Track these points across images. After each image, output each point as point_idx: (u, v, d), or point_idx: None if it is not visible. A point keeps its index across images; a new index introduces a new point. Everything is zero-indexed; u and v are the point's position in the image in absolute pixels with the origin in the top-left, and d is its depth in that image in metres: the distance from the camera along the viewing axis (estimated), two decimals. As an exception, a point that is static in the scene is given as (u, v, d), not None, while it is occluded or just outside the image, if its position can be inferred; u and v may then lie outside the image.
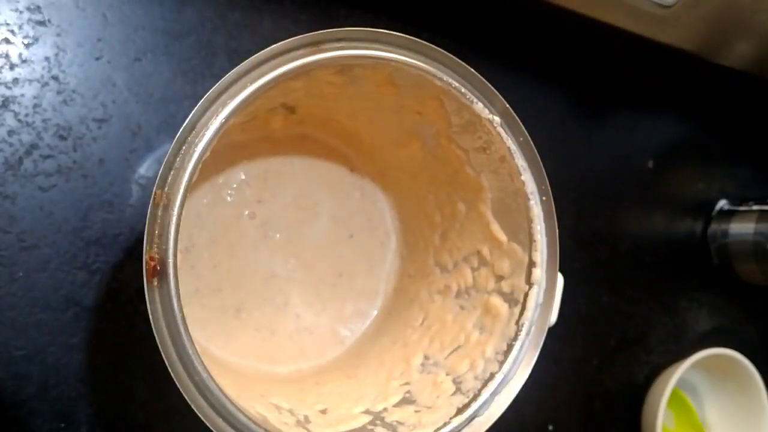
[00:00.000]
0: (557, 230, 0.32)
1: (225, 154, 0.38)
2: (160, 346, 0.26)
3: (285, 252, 0.40)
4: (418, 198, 0.41)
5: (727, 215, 0.60)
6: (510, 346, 0.32)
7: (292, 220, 0.41)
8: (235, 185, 0.39)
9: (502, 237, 0.35)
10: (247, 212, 0.39)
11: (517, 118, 0.32)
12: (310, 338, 0.40)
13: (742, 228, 0.58)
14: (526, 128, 0.32)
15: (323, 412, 0.34)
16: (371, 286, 0.43)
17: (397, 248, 0.43)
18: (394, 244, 0.43)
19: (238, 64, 0.28)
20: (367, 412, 0.34)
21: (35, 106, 0.37)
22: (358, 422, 0.33)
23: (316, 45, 0.29)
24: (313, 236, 0.41)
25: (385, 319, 0.42)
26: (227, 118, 0.28)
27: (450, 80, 0.31)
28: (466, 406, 0.31)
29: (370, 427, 0.32)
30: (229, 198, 0.39)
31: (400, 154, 0.40)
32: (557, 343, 0.50)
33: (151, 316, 0.26)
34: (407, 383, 0.36)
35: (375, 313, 0.42)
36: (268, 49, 0.28)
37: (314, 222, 0.41)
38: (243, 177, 0.39)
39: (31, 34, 0.37)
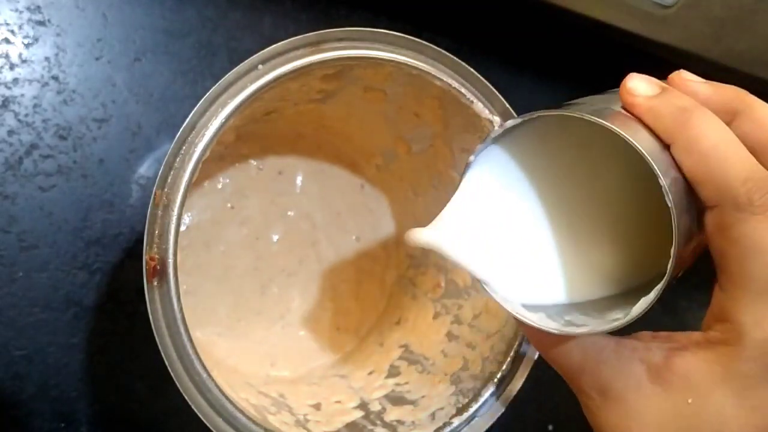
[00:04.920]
0: (557, 230, 0.32)
1: (225, 154, 0.38)
2: (160, 346, 0.26)
3: (288, 255, 0.40)
4: (406, 199, 0.42)
5: (727, 215, 0.60)
6: (510, 346, 0.32)
7: (294, 223, 0.40)
8: (236, 187, 0.39)
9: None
10: (247, 214, 0.39)
11: (517, 118, 0.32)
12: (309, 342, 0.40)
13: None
14: (526, 128, 0.32)
15: (316, 407, 0.34)
16: (375, 288, 0.43)
17: (388, 255, 0.43)
18: (395, 246, 0.43)
19: (238, 64, 0.28)
20: (360, 407, 0.34)
21: (35, 106, 0.37)
22: (351, 417, 0.33)
23: (316, 45, 0.29)
24: (318, 239, 0.41)
25: (380, 318, 0.42)
26: (227, 118, 0.28)
27: (450, 80, 0.31)
28: (466, 406, 0.31)
29: (370, 426, 0.32)
30: (229, 204, 0.39)
31: (388, 157, 0.40)
32: (557, 343, 0.50)
33: (151, 316, 0.26)
34: (406, 383, 0.36)
35: (374, 315, 0.42)
36: (268, 49, 0.28)
37: (318, 224, 0.41)
38: (245, 179, 0.39)
39: (31, 34, 0.37)
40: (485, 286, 0.25)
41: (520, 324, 0.25)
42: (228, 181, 0.39)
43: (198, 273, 0.38)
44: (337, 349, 0.41)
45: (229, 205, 0.39)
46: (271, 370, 0.39)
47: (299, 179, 0.41)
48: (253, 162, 0.39)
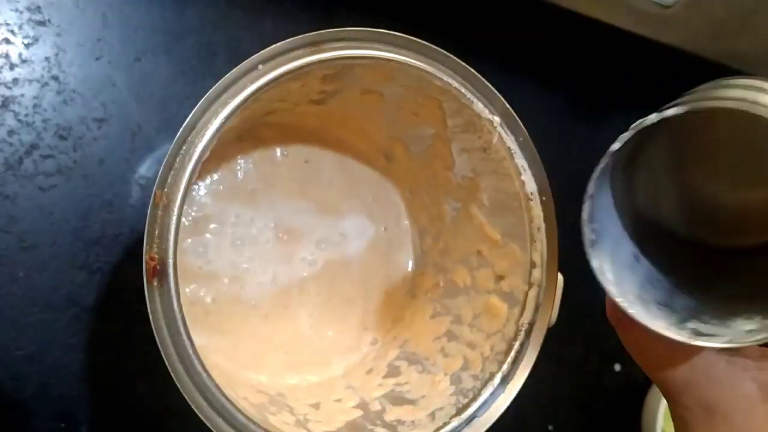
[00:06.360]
0: (557, 230, 0.32)
1: (234, 151, 0.38)
2: (160, 346, 0.26)
3: (317, 247, 0.40)
4: (404, 200, 0.42)
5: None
6: (510, 346, 0.32)
7: (322, 213, 0.40)
8: (261, 176, 0.38)
9: (496, 236, 0.35)
10: (274, 205, 0.39)
11: (517, 118, 0.32)
12: (335, 343, 0.40)
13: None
14: (526, 128, 0.32)
15: (316, 407, 0.34)
16: (400, 282, 0.42)
17: (411, 249, 0.43)
18: (410, 245, 0.43)
19: (238, 64, 0.28)
20: (360, 406, 0.34)
21: (35, 106, 0.37)
22: (351, 416, 0.33)
23: (316, 45, 0.29)
24: (346, 230, 0.41)
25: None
26: (227, 118, 0.28)
27: (450, 80, 0.31)
28: (466, 406, 0.31)
29: (370, 426, 0.32)
30: (253, 193, 0.38)
31: (389, 157, 0.40)
32: (557, 343, 0.50)
33: (151, 316, 0.26)
34: (406, 383, 0.36)
35: (394, 312, 0.42)
36: (268, 49, 0.28)
37: (346, 215, 0.41)
38: (269, 167, 0.39)
39: (31, 34, 0.37)
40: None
41: (627, 342, 0.25)
42: (251, 168, 0.38)
43: (205, 276, 0.37)
44: (360, 349, 0.40)
45: (242, 202, 0.38)
46: (291, 377, 0.38)
47: (326, 169, 0.40)
48: (278, 149, 0.39)
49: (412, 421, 0.32)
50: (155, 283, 0.26)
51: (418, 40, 0.30)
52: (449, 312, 0.38)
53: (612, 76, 0.53)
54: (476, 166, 0.35)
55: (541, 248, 0.32)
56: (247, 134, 0.38)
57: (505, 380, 0.31)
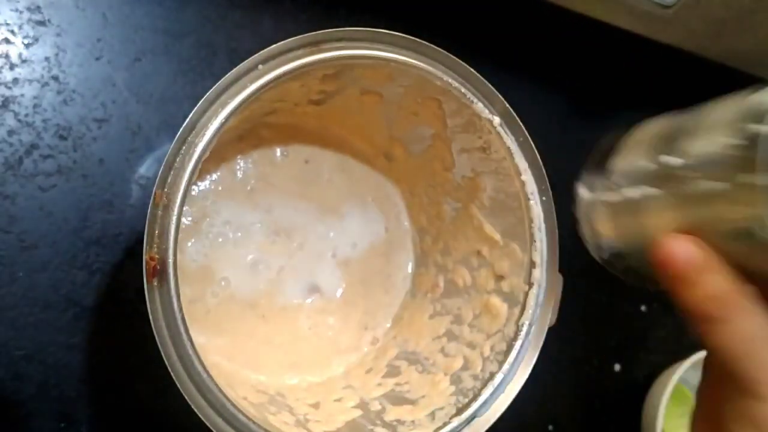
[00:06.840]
0: (557, 230, 0.32)
1: (234, 151, 0.38)
2: (160, 346, 0.26)
3: (318, 247, 0.40)
4: (404, 200, 0.42)
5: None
6: (510, 346, 0.32)
7: (322, 213, 0.40)
8: (260, 175, 0.38)
9: (496, 236, 0.35)
10: (272, 205, 0.39)
11: (517, 118, 0.32)
12: (335, 344, 0.40)
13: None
14: (526, 128, 0.32)
15: (316, 406, 0.34)
16: (399, 282, 0.42)
17: (411, 249, 0.43)
18: (410, 245, 0.43)
19: (238, 64, 0.28)
20: (359, 406, 0.34)
21: (35, 106, 0.37)
22: (351, 416, 0.33)
23: (316, 45, 0.29)
24: (348, 229, 0.41)
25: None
26: (227, 118, 0.28)
27: (450, 80, 0.31)
28: (466, 406, 0.31)
29: (370, 426, 0.32)
30: (252, 192, 0.38)
31: (388, 157, 0.40)
32: (557, 343, 0.50)
33: (151, 316, 0.26)
34: (406, 383, 0.36)
35: (394, 311, 0.42)
36: (268, 49, 0.28)
37: (346, 215, 0.41)
38: (269, 167, 0.39)
39: (31, 34, 0.37)
40: None
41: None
42: (251, 167, 0.38)
43: (205, 276, 0.37)
44: (360, 349, 0.40)
45: (251, 192, 0.38)
46: (291, 377, 0.38)
47: (326, 169, 0.40)
48: (278, 149, 0.39)
49: (412, 421, 0.32)
50: (155, 283, 0.26)
51: (418, 40, 0.30)
52: (449, 312, 0.38)
53: (612, 76, 0.53)
54: (476, 166, 0.35)
55: (541, 248, 0.32)
56: (247, 134, 0.38)
57: (505, 380, 0.31)
